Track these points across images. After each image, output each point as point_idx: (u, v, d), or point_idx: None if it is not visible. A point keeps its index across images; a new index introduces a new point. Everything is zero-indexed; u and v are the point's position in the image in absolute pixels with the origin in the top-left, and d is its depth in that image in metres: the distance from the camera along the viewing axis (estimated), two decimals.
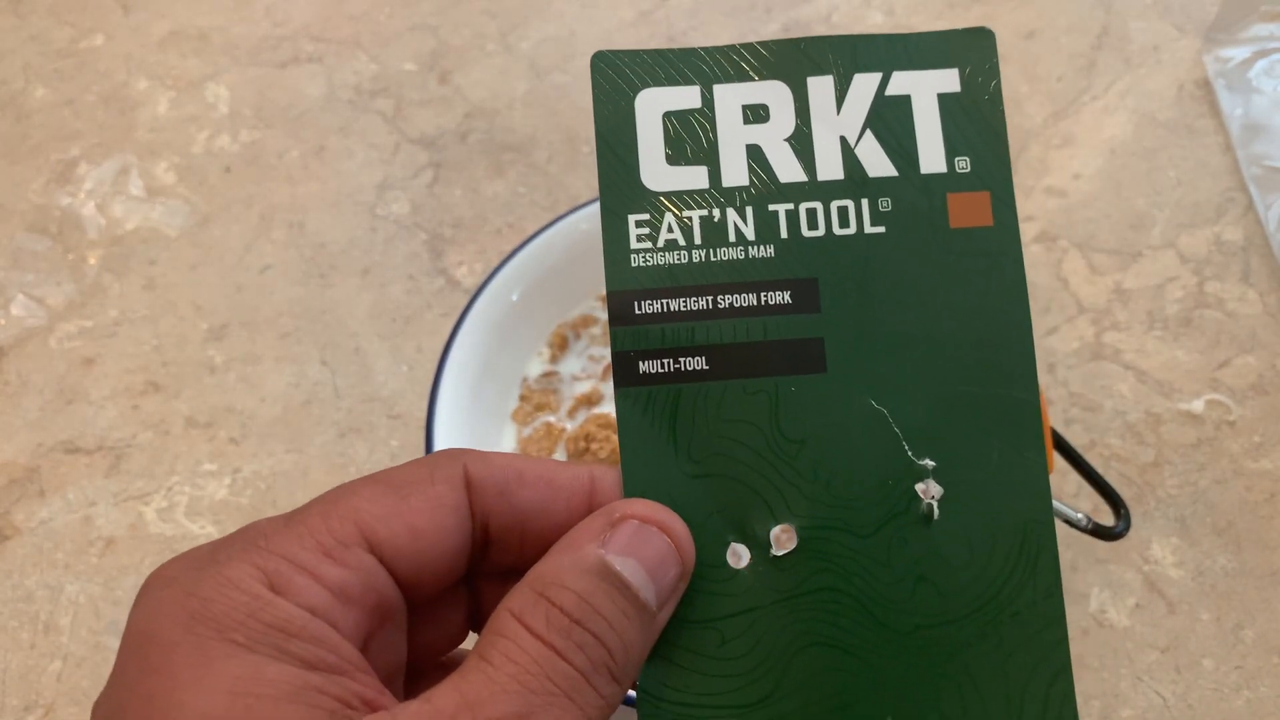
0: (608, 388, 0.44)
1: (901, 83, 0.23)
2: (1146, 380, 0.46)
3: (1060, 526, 0.42)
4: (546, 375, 0.44)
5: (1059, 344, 0.47)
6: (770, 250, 0.23)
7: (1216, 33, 0.55)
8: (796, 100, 0.23)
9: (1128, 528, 0.37)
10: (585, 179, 0.53)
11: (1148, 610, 0.41)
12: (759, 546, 0.22)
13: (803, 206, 0.23)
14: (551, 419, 0.43)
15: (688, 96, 0.23)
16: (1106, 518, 0.38)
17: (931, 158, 0.23)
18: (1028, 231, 0.51)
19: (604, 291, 0.45)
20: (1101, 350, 0.47)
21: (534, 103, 0.56)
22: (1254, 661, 0.40)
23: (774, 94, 0.23)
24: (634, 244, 0.23)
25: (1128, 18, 0.58)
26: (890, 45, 0.24)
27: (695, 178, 0.23)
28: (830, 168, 0.23)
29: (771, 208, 0.23)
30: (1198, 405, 0.45)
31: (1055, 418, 0.45)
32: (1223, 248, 0.50)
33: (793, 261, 0.23)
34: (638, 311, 0.23)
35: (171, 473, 0.46)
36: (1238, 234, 0.50)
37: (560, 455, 0.42)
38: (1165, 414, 0.45)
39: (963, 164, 0.23)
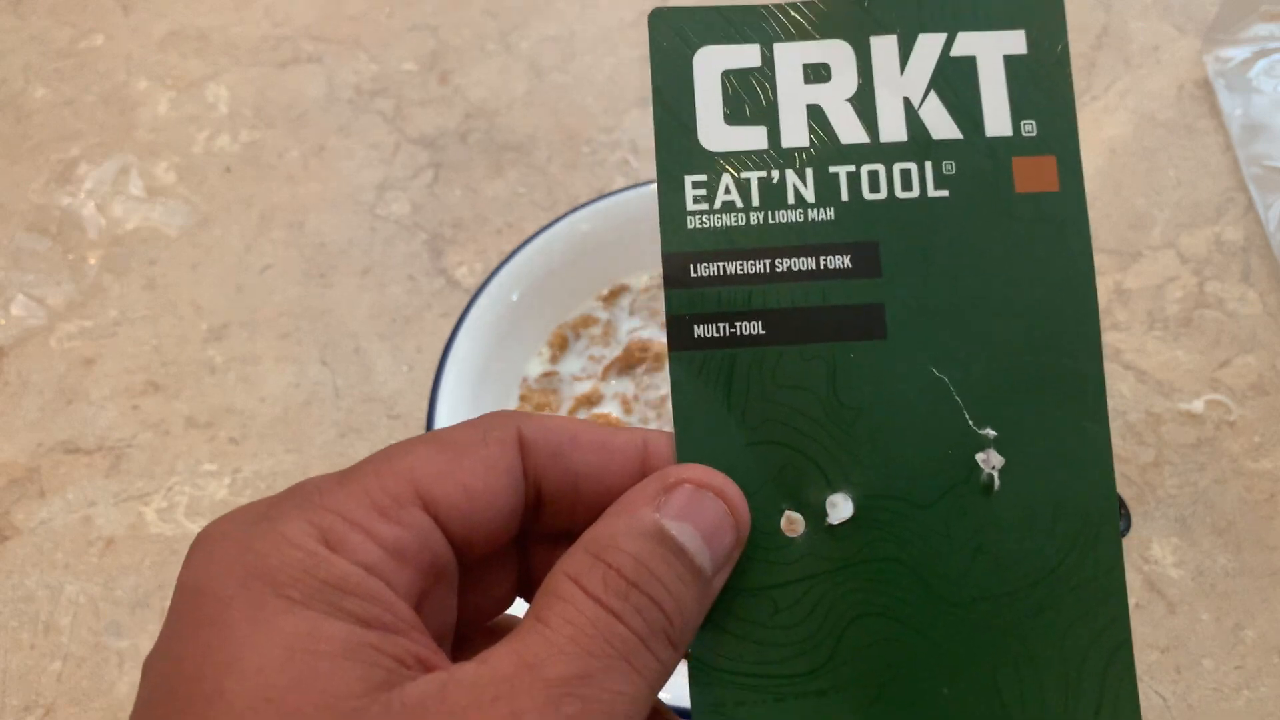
0: (608, 387, 0.44)
1: (967, 43, 0.23)
2: (1146, 380, 0.46)
3: None
4: (546, 375, 0.44)
5: None
6: (830, 213, 0.22)
7: (1216, 33, 0.55)
8: (859, 59, 0.23)
9: (1128, 528, 0.37)
10: (585, 179, 0.53)
11: (1148, 610, 0.41)
12: (814, 515, 0.22)
13: (864, 169, 0.22)
14: None
15: (747, 55, 0.23)
16: None
17: (997, 120, 0.23)
18: None
19: (604, 291, 0.46)
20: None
21: (534, 103, 0.56)
22: (1254, 661, 0.40)
23: (836, 53, 0.23)
24: (690, 205, 0.22)
25: (1128, 18, 0.58)
26: (956, 5, 0.23)
27: (754, 138, 0.23)
28: (893, 129, 0.23)
29: (832, 169, 0.22)
30: (1198, 405, 0.45)
31: None
32: (1223, 248, 0.50)
33: (853, 225, 0.22)
34: (693, 274, 0.22)
35: (171, 473, 0.46)
36: (1238, 234, 0.50)
37: None
38: (1165, 414, 0.45)
39: (1029, 127, 0.23)
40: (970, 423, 0.22)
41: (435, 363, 0.41)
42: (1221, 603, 0.41)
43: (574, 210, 0.45)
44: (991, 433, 0.22)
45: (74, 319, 0.50)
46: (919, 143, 0.23)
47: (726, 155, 0.23)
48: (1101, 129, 0.54)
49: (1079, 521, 0.22)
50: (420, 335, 0.49)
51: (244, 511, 0.20)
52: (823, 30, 0.23)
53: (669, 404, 0.43)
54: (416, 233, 0.52)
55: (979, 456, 0.22)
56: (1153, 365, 0.46)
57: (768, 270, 0.22)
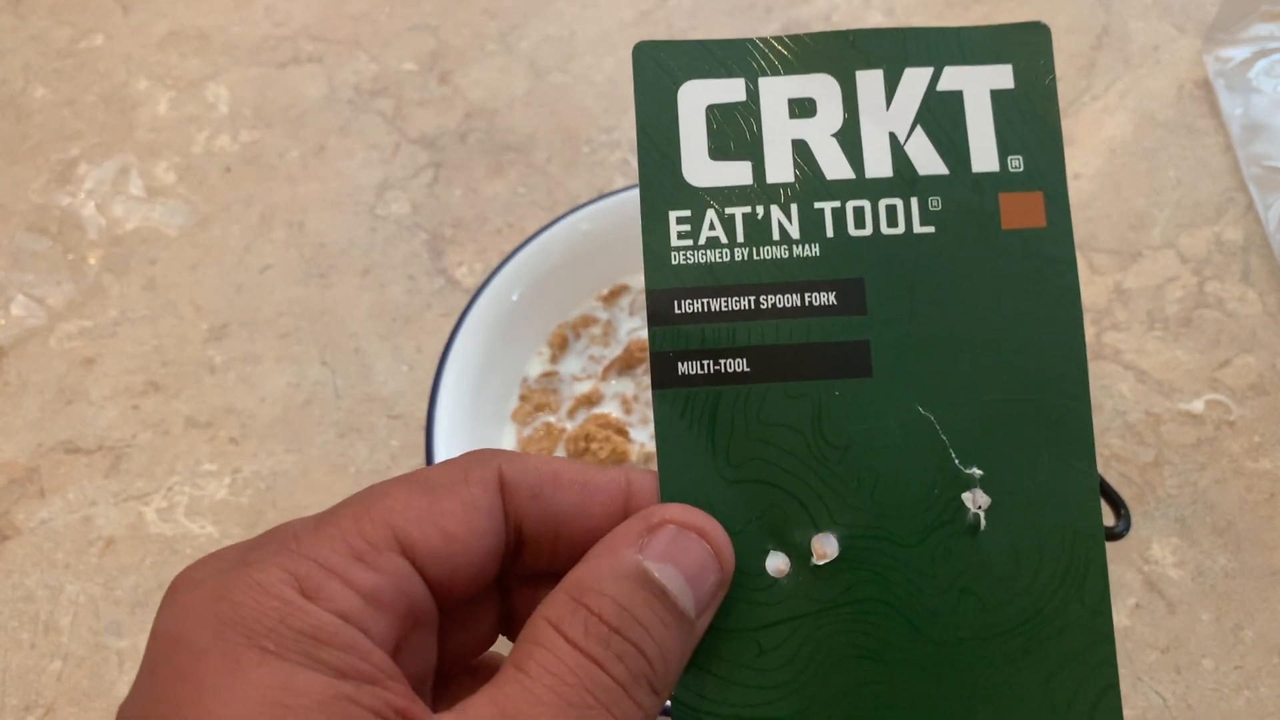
0: (608, 388, 0.44)
1: (953, 78, 0.23)
2: (1146, 380, 0.46)
3: None
4: (546, 375, 0.44)
5: None
6: (815, 249, 0.22)
7: (1216, 33, 0.55)
8: (845, 94, 0.23)
9: (1128, 528, 0.37)
10: (585, 179, 0.53)
11: (1148, 610, 0.41)
12: (799, 555, 0.22)
13: (850, 204, 0.22)
14: (551, 419, 0.43)
15: (732, 89, 0.23)
16: (1107, 518, 0.38)
17: (984, 156, 0.22)
18: None
19: (604, 291, 0.46)
20: (1101, 350, 0.47)
21: (534, 103, 0.56)
22: (1254, 661, 0.40)
23: (821, 87, 0.23)
24: (674, 241, 0.22)
25: (1128, 18, 0.58)
26: (942, 39, 0.23)
27: (739, 173, 0.22)
28: (879, 164, 0.22)
29: (817, 205, 0.22)
30: (1198, 405, 0.45)
31: None
32: (1223, 248, 0.50)
33: (839, 261, 0.22)
34: (677, 311, 0.22)
35: (171, 473, 0.46)
36: (1238, 234, 0.50)
37: (560, 455, 0.42)
38: (1165, 414, 0.45)
39: (1015, 163, 0.22)
40: (956, 461, 0.22)
41: (435, 362, 0.41)
42: (1221, 603, 0.41)
43: (574, 210, 0.45)
44: (978, 472, 0.22)
45: (74, 319, 0.50)
46: (905, 178, 0.22)
47: (711, 190, 0.22)
48: (1101, 129, 0.54)
49: (1066, 562, 0.22)
50: (420, 335, 0.49)
51: (220, 556, 0.19)
52: (808, 65, 0.23)
53: None
54: (416, 233, 0.52)
55: (965, 496, 0.22)
56: (1153, 365, 0.46)
57: (752, 307, 0.22)
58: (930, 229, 0.22)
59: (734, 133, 0.23)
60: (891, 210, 0.22)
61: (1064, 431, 0.22)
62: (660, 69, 0.23)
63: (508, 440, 0.43)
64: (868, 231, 0.22)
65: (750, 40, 0.23)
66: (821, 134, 0.22)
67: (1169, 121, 0.54)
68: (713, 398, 0.22)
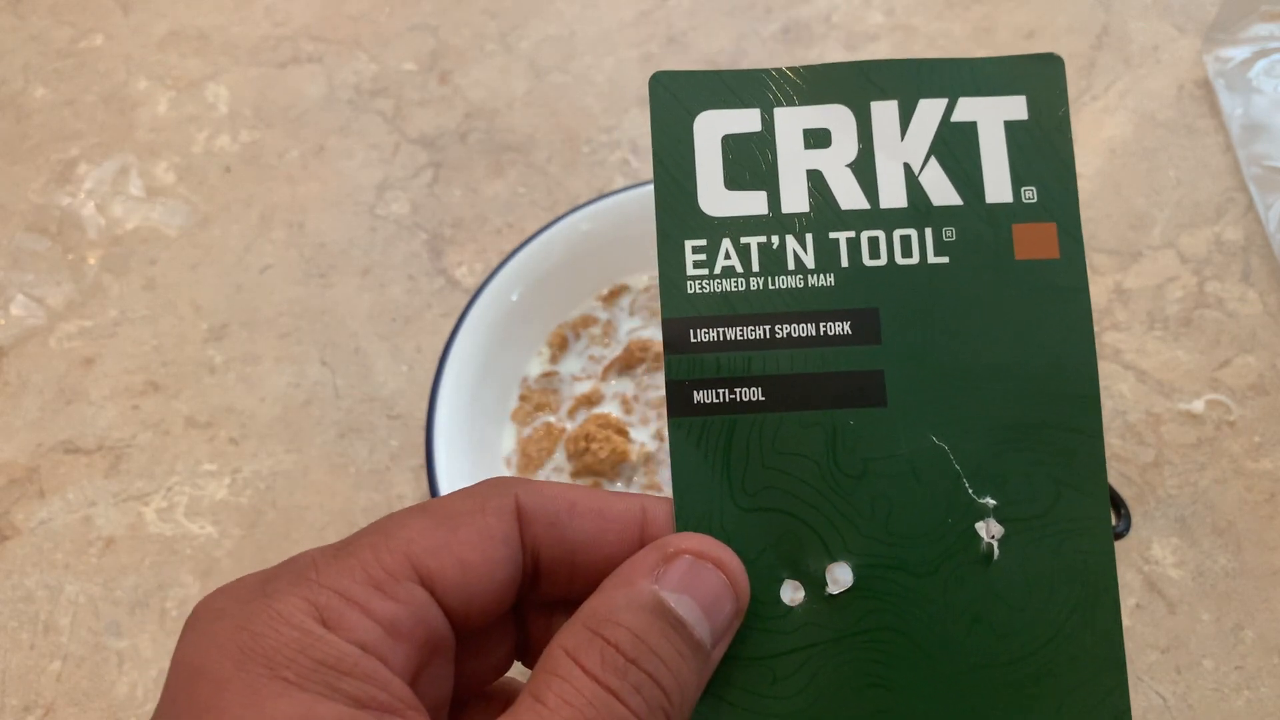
0: (608, 387, 0.44)
1: (968, 109, 0.23)
2: (1146, 380, 0.46)
3: None
4: (546, 375, 0.44)
5: None
6: (830, 279, 0.22)
7: (1216, 33, 0.55)
8: (859, 125, 0.23)
9: (1128, 528, 0.37)
10: (585, 179, 0.53)
11: (1148, 610, 0.41)
12: (814, 584, 0.22)
13: (864, 235, 0.23)
14: (551, 419, 0.43)
15: (748, 119, 0.23)
16: None
17: (997, 187, 0.23)
18: None
19: (604, 291, 0.46)
20: (1102, 350, 0.47)
21: (534, 103, 0.56)
22: (1254, 662, 0.40)
23: (836, 118, 0.23)
24: (690, 270, 0.22)
25: (1127, 18, 0.58)
26: (956, 70, 0.23)
27: (754, 203, 0.23)
28: (894, 195, 0.23)
29: (832, 235, 0.23)
30: (1198, 405, 0.45)
31: None
32: (1223, 248, 0.50)
33: (853, 291, 0.22)
34: (693, 340, 0.22)
35: (171, 473, 0.46)
36: (1238, 234, 0.50)
37: (560, 455, 0.42)
38: (1165, 414, 0.45)
39: (1029, 194, 0.23)
40: (970, 491, 0.22)
41: (435, 362, 0.41)
42: (1221, 603, 0.41)
43: (574, 210, 0.45)
44: (991, 502, 0.22)
45: (74, 319, 0.50)
46: (919, 209, 0.23)
47: (726, 220, 0.23)
48: (1101, 129, 0.54)
49: (1078, 589, 0.22)
50: (420, 335, 0.49)
51: (240, 585, 0.20)
52: (823, 96, 0.23)
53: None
54: (416, 233, 0.52)
55: (978, 526, 0.22)
56: (1153, 365, 0.46)
57: (768, 336, 0.22)
58: (945, 259, 0.23)
59: (749, 163, 0.23)
60: (906, 240, 0.23)
61: (1076, 461, 0.22)
62: (676, 99, 0.23)
63: (508, 440, 0.43)
64: (882, 261, 0.23)
65: (765, 71, 0.23)
66: (836, 164, 0.23)
67: (1169, 121, 0.54)
68: (728, 426, 0.22)
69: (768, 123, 0.23)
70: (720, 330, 0.22)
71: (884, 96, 0.23)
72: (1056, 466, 0.22)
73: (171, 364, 0.48)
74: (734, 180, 0.23)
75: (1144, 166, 0.53)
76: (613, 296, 0.46)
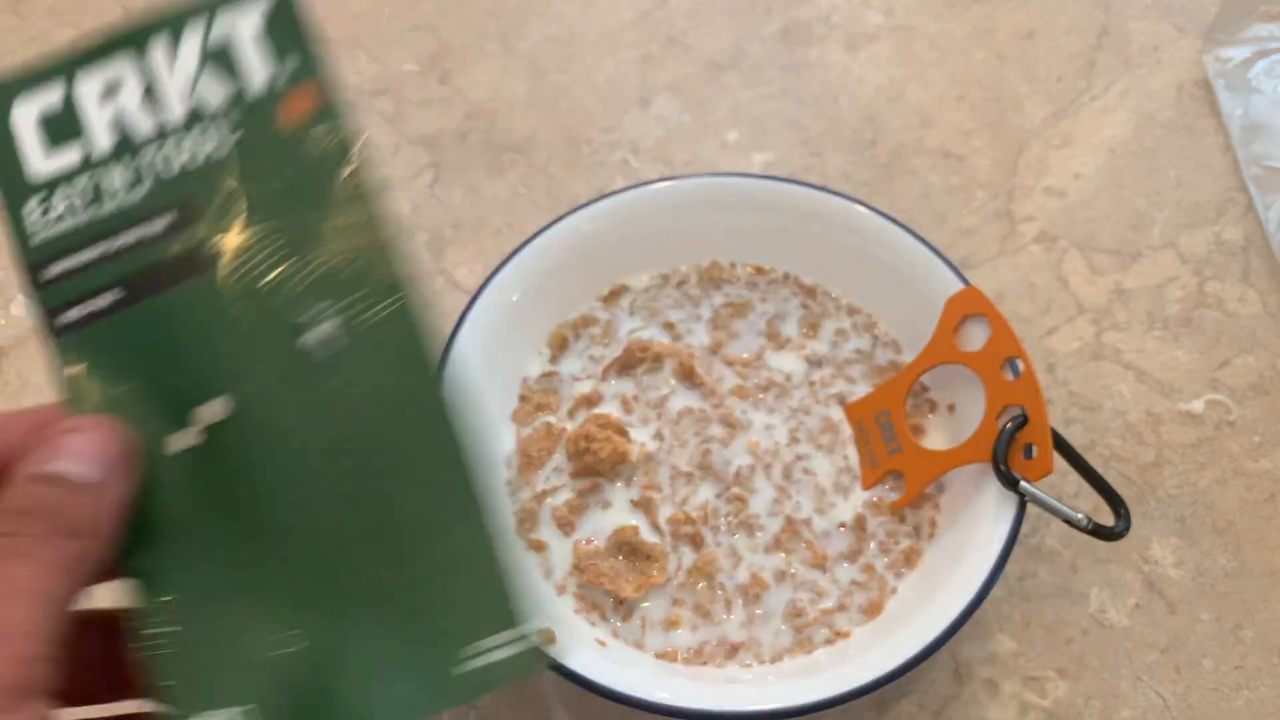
0: (607, 388, 0.44)
1: (223, 23, 0.28)
2: (1146, 380, 0.46)
3: (1060, 526, 0.42)
4: (546, 375, 0.44)
5: (1059, 344, 0.47)
6: (144, 190, 0.28)
7: (1216, 33, 0.55)
8: (142, 65, 0.28)
9: (1128, 528, 0.37)
10: (585, 179, 0.53)
11: (1147, 610, 0.41)
12: (197, 427, 0.26)
13: (165, 147, 0.28)
14: (551, 419, 0.43)
15: (53, 95, 0.28)
16: (1106, 518, 0.38)
17: (260, 72, 0.28)
18: (1028, 232, 0.51)
19: (604, 291, 0.46)
20: (1101, 350, 0.47)
21: (534, 103, 0.56)
22: (1254, 661, 0.40)
23: (124, 68, 0.28)
24: (30, 229, 0.27)
25: (1127, 18, 0.58)
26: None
27: (70, 157, 0.28)
28: (179, 111, 0.28)
29: (145, 158, 0.28)
30: (1198, 405, 0.45)
31: (1055, 418, 0.45)
32: (1223, 248, 0.50)
33: (168, 191, 0.27)
34: (46, 278, 0.27)
35: None
36: (1238, 234, 0.50)
37: (560, 455, 0.42)
38: (1165, 414, 0.45)
39: (287, 64, 0.28)
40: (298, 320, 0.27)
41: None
42: (1221, 603, 0.41)
43: (574, 210, 0.45)
44: (326, 320, 0.27)
45: None
46: (203, 111, 0.28)
47: (54, 178, 0.28)
48: (1101, 129, 0.54)
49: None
50: None
51: None
52: (110, 51, 0.28)
53: (670, 404, 0.43)
54: (417, 233, 0.52)
55: (308, 337, 0.27)
56: (1153, 365, 0.46)
57: (113, 251, 0.27)
58: (235, 136, 0.28)
59: (61, 127, 0.28)
60: (196, 143, 0.28)
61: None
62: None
63: (508, 440, 0.43)
64: (186, 160, 0.28)
65: (66, 49, 0.28)
66: (131, 105, 0.28)
67: (1169, 121, 0.54)
68: (104, 328, 0.27)
69: (70, 92, 0.28)
70: (71, 261, 0.27)
71: (159, 31, 0.28)
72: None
73: None
74: (51, 144, 0.28)
75: (1144, 166, 0.53)
76: (613, 297, 0.46)
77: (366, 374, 0.27)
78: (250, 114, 0.28)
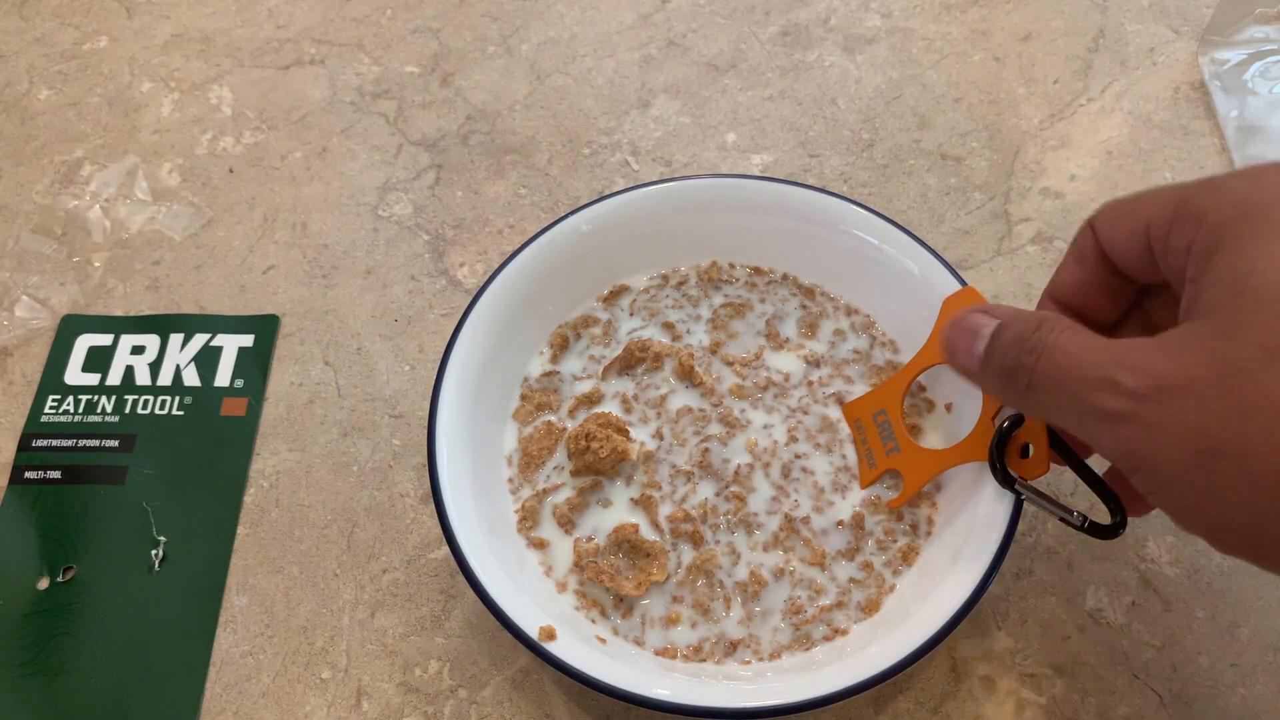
0: (608, 387, 0.44)
1: (220, 340, 0.48)
2: None
3: (1057, 524, 0.42)
4: (547, 375, 0.45)
5: None
6: (117, 418, 0.46)
7: (1212, 35, 0.56)
8: (162, 344, 0.48)
9: (1124, 526, 0.37)
10: (586, 180, 0.53)
11: (1144, 608, 0.41)
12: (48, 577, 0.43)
13: (143, 398, 0.46)
14: (552, 418, 0.43)
15: (104, 339, 0.48)
16: (1103, 516, 0.38)
17: (222, 377, 0.47)
18: (1024, 233, 0.51)
19: (604, 292, 0.46)
20: None
21: (535, 105, 0.57)
22: (1249, 659, 0.40)
23: (150, 340, 0.48)
24: (45, 412, 0.46)
25: (1124, 20, 0.59)
26: (210, 322, 0.49)
27: (92, 380, 0.47)
28: (164, 379, 0.47)
29: (127, 397, 0.47)
30: None
31: None
32: None
33: (127, 425, 0.46)
34: (34, 445, 0.45)
35: None
36: None
37: (560, 454, 0.42)
38: None
39: (239, 383, 0.47)
40: (154, 530, 0.43)
41: (437, 362, 0.41)
42: (1217, 600, 0.41)
43: (574, 211, 0.45)
44: (162, 539, 0.43)
45: None
46: (177, 386, 0.47)
47: (75, 387, 0.47)
48: (1097, 131, 0.54)
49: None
50: (422, 335, 0.49)
51: None
52: (146, 328, 0.49)
53: (669, 403, 0.43)
54: (418, 234, 0.52)
55: (154, 553, 0.43)
56: None
57: (76, 445, 0.45)
58: (182, 412, 0.46)
59: (98, 361, 0.48)
60: (164, 402, 0.46)
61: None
62: (71, 327, 0.49)
63: (509, 439, 0.43)
64: (148, 411, 0.46)
65: (121, 316, 0.49)
66: (143, 363, 0.47)
67: (1165, 123, 0.54)
68: (46, 491, 0.44)
69: (114, 341, 0.48)
70: (50, 440, 0.45)
71: (177, 330, 0.49)
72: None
73: None
74: (86, 367, 0.47)
75: (1140, 168, 0.53)
76: (613, 297, 0.46)
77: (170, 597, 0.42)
78: (204, 398, 0.46)
